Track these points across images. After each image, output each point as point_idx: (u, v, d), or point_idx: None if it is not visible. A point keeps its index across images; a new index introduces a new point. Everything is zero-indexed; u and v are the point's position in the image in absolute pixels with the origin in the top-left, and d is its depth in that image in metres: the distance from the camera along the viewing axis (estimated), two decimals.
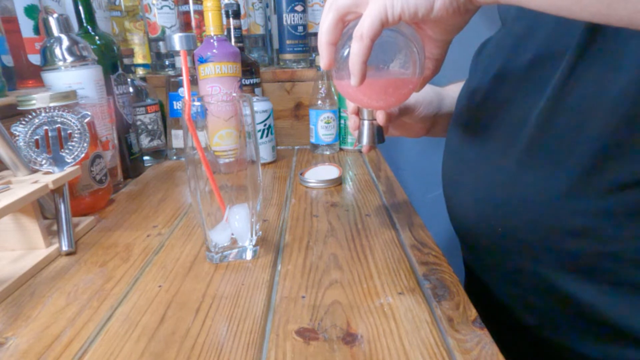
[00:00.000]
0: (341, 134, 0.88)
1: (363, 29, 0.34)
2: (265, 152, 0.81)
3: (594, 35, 0.35)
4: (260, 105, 0.77)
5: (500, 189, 0.42)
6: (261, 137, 0.79)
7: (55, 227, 0.50)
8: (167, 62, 0.98)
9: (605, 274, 0.37)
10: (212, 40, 0.69)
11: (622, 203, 0.35)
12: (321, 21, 0.37)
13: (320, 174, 0.71)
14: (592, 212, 0.36)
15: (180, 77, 0.80)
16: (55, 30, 0.59)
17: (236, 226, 0.44)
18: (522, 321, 0.45)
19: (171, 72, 0.93)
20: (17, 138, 0.50)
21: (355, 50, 0.35)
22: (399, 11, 0.33)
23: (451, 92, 0.58)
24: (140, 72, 0.95)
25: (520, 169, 0.40)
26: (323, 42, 0.37)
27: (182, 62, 0.42)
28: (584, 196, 0.36)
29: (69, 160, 0.52)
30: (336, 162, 0.81)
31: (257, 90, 0.89)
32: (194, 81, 0.75)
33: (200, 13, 0.97)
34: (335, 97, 0.85)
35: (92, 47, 0.63)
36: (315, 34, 1.02)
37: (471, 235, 0.49)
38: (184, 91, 0.41)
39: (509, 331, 0.44)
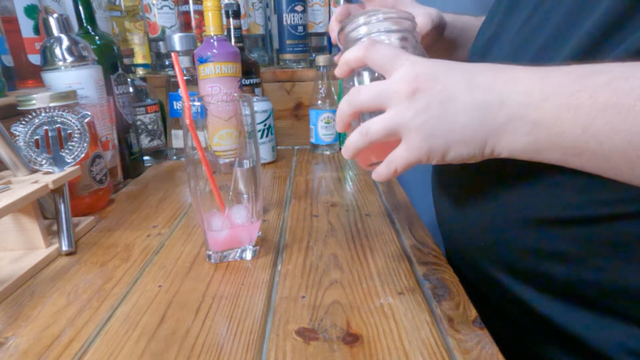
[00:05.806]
0: (341, 134, 0.88)
1: (372, 132, 0.34)
2: (265, 152, 0.81)
3: None
4: (260, 105, 0.77)
5: (483, 200, 0.41)
6: (261, 137, 0.79)
7: (55, 227, 0.50)
8: (167, 62, 0.98)
9: (586, 300, 0.36)
10: (212, 40, 0.69)
11: (609, 232, 0.34)
12: (340, 108, 0.37)
13: None
14: (577, 238, 0.35)
15: None
16: (55, 30, 0.59)
17: None
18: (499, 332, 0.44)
19: (171, 72, 0.93)
20: (17, 138, 0.50)
21: (355, 142, 0.36)
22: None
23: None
24: (140, 72, 0.94)
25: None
26: (340, 127, 0.40)
27: (174, 64, 0.42)
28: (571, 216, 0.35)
29: (69, 160, 0.52)
30: (336, 162, 0.81)
31: (257, 90, 0.89)
32: (193, 81, 0.75)
33: (200, 13, 0.97)
34: (335, 97, 0.85)
35: (92, 47, 0.63)
36: (316, 34, 1.02)
37: (455, 238, 0.48)
38: (181, 92, 0.41)
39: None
